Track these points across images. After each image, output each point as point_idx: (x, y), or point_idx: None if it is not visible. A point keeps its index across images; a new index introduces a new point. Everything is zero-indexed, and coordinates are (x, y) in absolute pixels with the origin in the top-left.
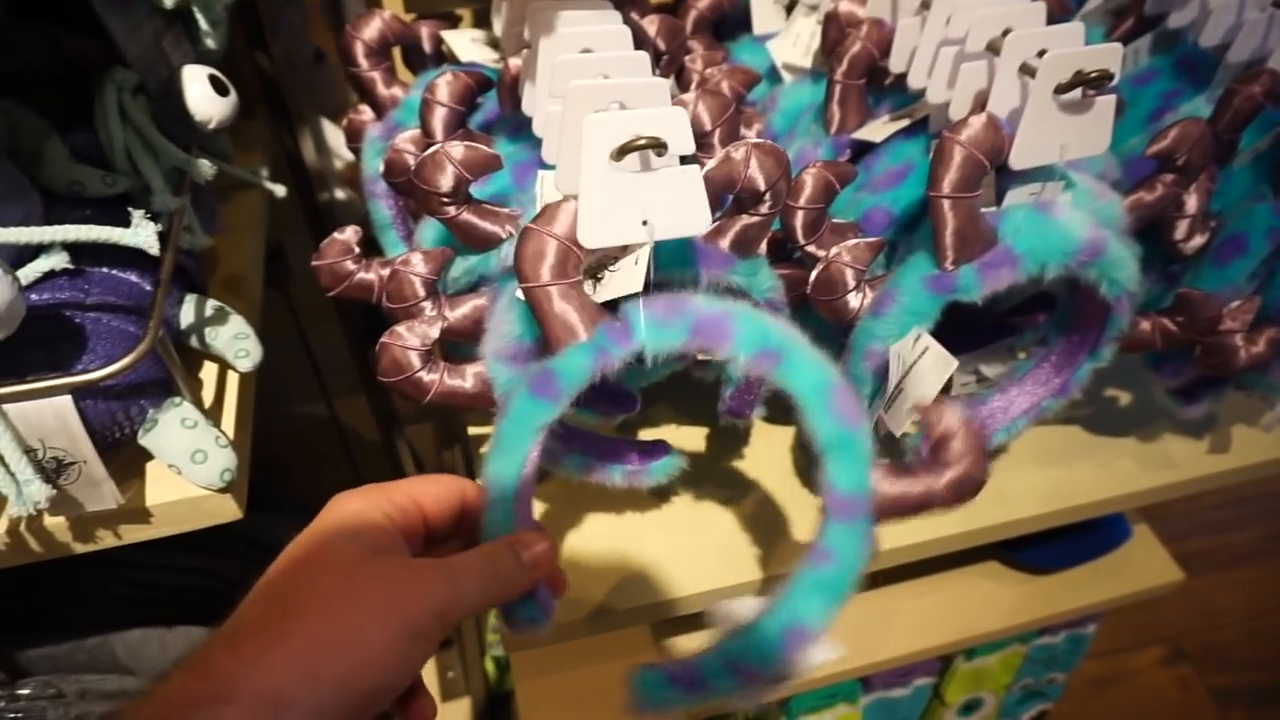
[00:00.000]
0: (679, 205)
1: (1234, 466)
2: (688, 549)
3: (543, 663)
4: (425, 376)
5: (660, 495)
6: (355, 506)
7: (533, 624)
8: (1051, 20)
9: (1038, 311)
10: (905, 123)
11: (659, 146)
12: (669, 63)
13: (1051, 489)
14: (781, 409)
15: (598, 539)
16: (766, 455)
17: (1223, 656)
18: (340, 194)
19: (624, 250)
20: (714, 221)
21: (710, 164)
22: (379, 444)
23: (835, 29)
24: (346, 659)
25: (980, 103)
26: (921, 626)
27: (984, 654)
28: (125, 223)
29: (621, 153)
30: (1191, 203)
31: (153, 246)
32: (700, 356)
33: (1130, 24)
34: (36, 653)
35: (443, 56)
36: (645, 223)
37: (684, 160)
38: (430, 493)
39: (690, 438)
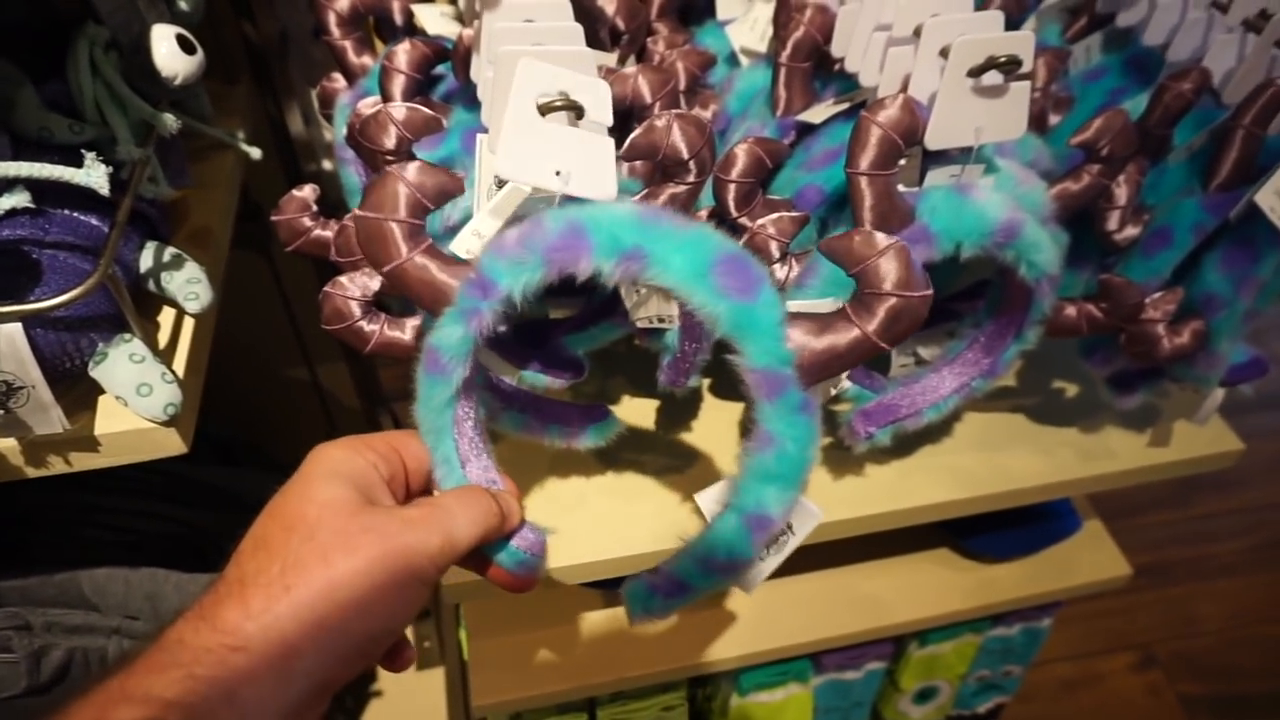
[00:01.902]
0: (592, 169)
1: (1172, 460)
2: (631, 513)
3: (494, 623)
4: (365, 326)
5: (608, 460)
6: (340, 454)
7: (520, 566)
8: (1009, 19)
9: (978, 299)
10: (845, 106)
11: (576, 109)
12: (629, 43)
13: (993, 473)
14: (728, 385)
15: (544, 500)
16: (714, 428)
17: (1194, 665)
18: (327, 164)
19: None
20: (642, 190)
21: (635, 132)
22: (360, 410)
23: (784, 13)
24: (349, 608)
25: (906, 86)
26: (872, 608)
27: (938, 641)
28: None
29: (543, 112)
30: (1121, 194)
31: (102, 187)
32: (641, 319)
33: (1083, 22)
34: (7, 584)
35: (414, 29)
36: (559, 173)
37: (613, 132)
38: (410, 447)
39: (641, 409)
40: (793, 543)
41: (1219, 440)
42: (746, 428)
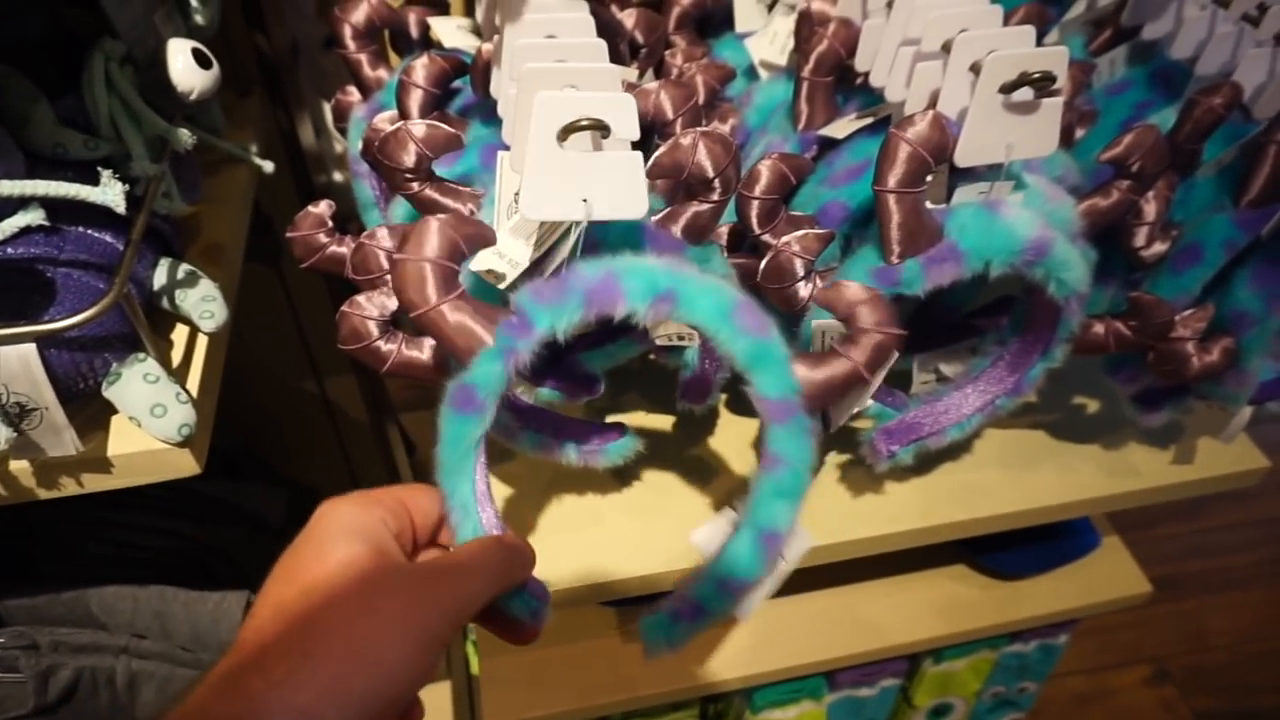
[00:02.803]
0: (619, 188)
1: (1196, 477)
2: (649, 532)
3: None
4: (383, 346)
5: (623, 479)
6: (350, 511)
7: (534, 616)
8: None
9: (1002, 314)
10: (869, 121)
11: (602, 129)
12: (647, 55)
13: (1014, 490)
14: (744, 401)
15: (559, 518)
16: (730, 445)
17: (1208, 679)
18: (338, 176)
19: (555, 234)
20: (666, 208)
21: (660, 150)
22: (368, 423)
23: (807, 27)
24: (370, 674)
25: (934, 102)
26: (887, 625)
27: (952, 658)
28: (98, 183)
29: (566, 132)
30: (1150, 210)
31: (119, 205)
32: (661, 336)
33: (1108, 35)
34: (14, 603)
35: (429, 42)
36: (585, 200)
37: (636, 148)
38: (417, 501)
39: (657, 425)
40: (785, 568)
41: (1244, 457)
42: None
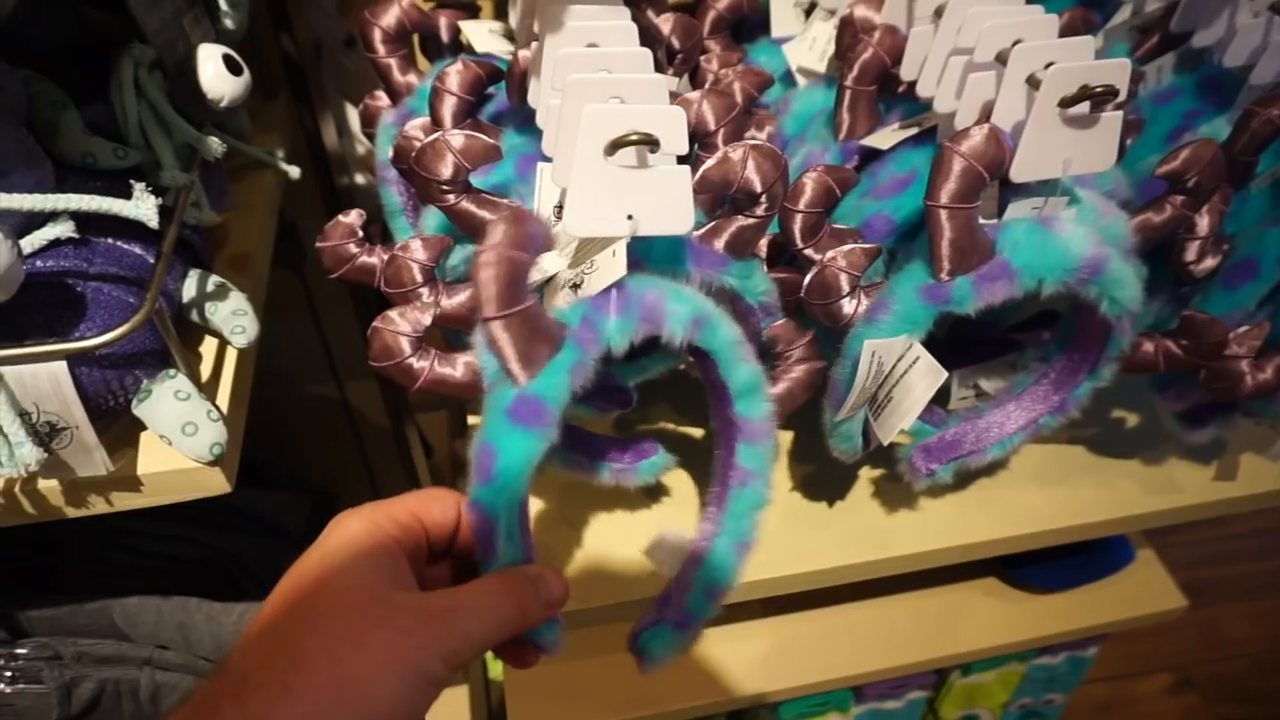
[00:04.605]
0: (666, 204)
1: (1240, 495)
2: None
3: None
4: (415, 363)
5: (653, 493)
6: (361, 529)
7: (546, 649)
8: (1071, 34)
9: (1042, 328)
10: (913, 131)
11: (651, 143)
12: (683, 61)
13: (1052, 507)
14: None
15: (589, 534)
16: None
17: (1231, 688)
18: (360, 179)
19: (599, 248)
20: (710, 221)
21: (708, 163)
22: (388, 428)
23: (849, 34)
24: (352, 713)
25: (986, 114)
26: (917, 639)
27: (981, 670)
28: (130, 195)
29: (614, 147)
30: (1203, 224)
31: (152, 219)
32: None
33: (1155, 41)
34: (37, 614)
35: (460, 46)
36: (630, 217)
37: (680, 160)
38: (431, 510)
39: (686, 437)
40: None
41: None
42: (793, 455)
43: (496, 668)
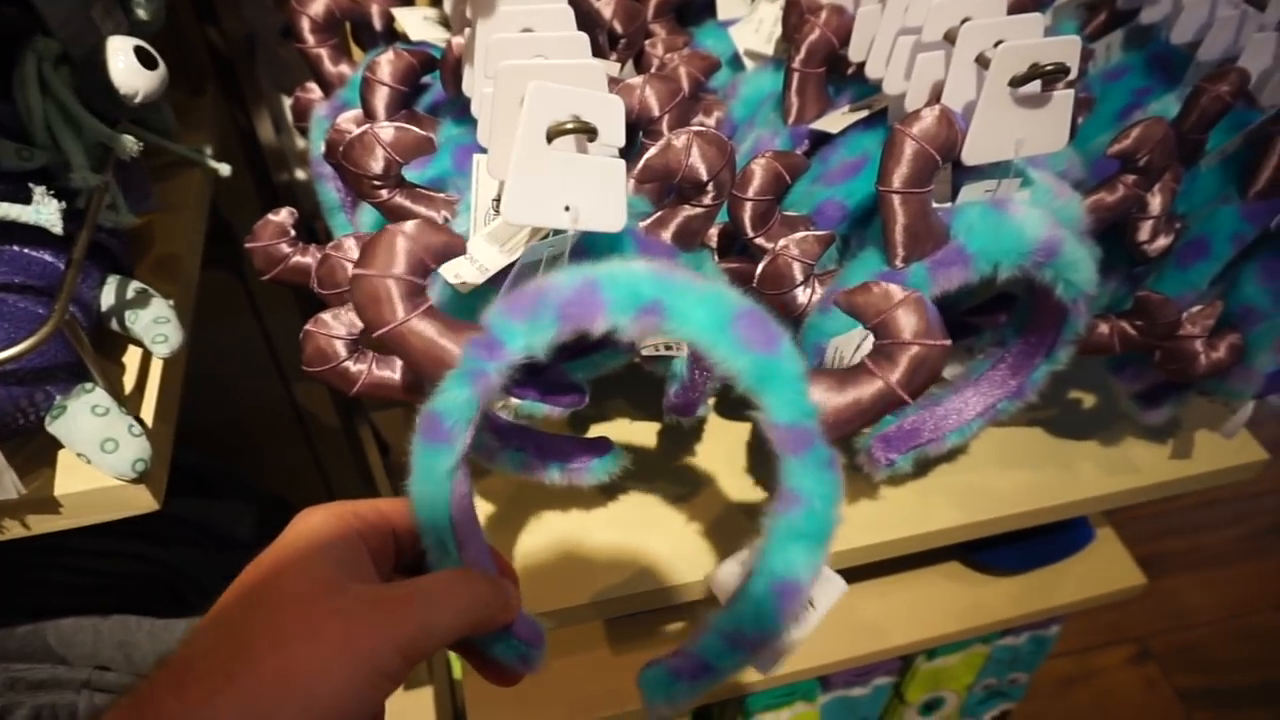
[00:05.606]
0: (601, 198)
1: (1196, 472)
2: (637, 546)
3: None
4: (352, 367)
5: (609, 492)
6: (323, 523)
7: (523, 661)
8: (1019, 12)
9: (998, 312)
10: (864, 114)
11: (589, 132)
12: (627, 46)
13: (1013, 491)
14: (734, 404)
15: (545, 535)
16: (720, 452)
17: (1190, 657)
18: (300, 175)
19: (534, 241)
20: (657, 211)
21: (650, 151)
22: (340, 428)
23: (795, 15)
24: (298, 705)
25: (936, 95)
26: (882, 626)
27: (945, 654)
28: (30, 200)
29: (551, 135)
30: (1155, 203)
31: (54, 225)
32: (647, 346)
33: (1102, 19)
34: None
35: (394, 34)
36: (568, 209)
37: (621, 153)
38: (403, 514)
39: (642, 433)
40: (814, 618)
41: (1243, 450)
42: (754, 448)
43: (460, 668)
